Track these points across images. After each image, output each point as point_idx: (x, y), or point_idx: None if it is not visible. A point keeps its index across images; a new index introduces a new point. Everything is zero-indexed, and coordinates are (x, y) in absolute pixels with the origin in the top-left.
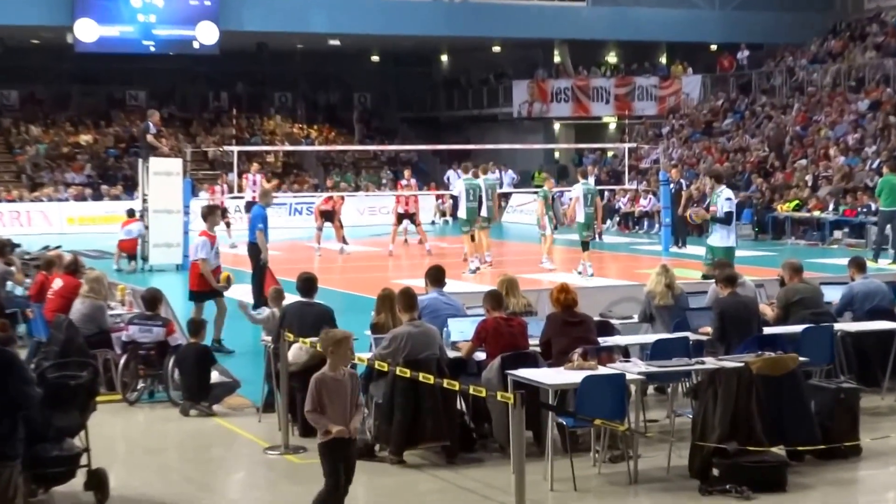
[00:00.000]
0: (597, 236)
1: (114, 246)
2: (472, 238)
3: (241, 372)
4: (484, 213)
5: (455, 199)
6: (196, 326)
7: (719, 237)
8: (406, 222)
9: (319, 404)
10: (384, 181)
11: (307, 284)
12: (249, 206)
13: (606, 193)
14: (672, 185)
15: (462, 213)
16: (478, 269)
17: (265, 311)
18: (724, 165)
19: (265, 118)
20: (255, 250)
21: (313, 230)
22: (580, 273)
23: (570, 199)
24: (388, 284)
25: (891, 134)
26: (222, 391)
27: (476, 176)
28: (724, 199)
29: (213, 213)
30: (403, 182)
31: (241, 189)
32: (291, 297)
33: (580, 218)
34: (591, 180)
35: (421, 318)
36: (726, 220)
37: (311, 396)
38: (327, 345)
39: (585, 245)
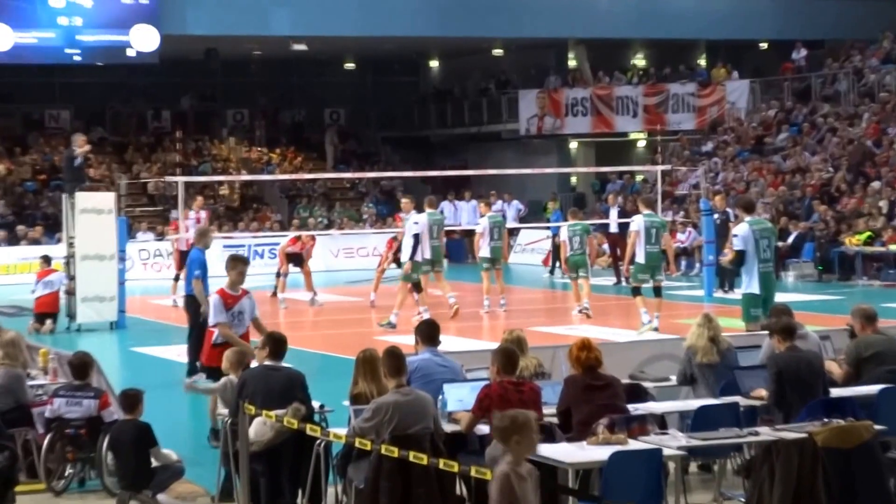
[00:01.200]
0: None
1: (32, 301)
2: (418, 287)
3: (193, 452)
4: (427, 254)
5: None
6: (131, 399)
7: (743, 283)
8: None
9: None
10: (364, 216)
11: (278, 345)
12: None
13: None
14: (716, 216)
15: (427, 253)
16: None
17: (220, 380)
18: (779, 189)
19: (216, 141)
20: (192, 303)
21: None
22: (646, 323)
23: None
24: (369, 343)
25: None
26: (167, 477)
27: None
28: (735, 234)
29: (236, 267)
30: (403, 216)
31: (186, 229)
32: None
33: (640, 258)
34: (616, 212)
35: (410, 384)
36: (737, 261)
37: (497, 501)
38: (509, 431)
39: (637, 291)
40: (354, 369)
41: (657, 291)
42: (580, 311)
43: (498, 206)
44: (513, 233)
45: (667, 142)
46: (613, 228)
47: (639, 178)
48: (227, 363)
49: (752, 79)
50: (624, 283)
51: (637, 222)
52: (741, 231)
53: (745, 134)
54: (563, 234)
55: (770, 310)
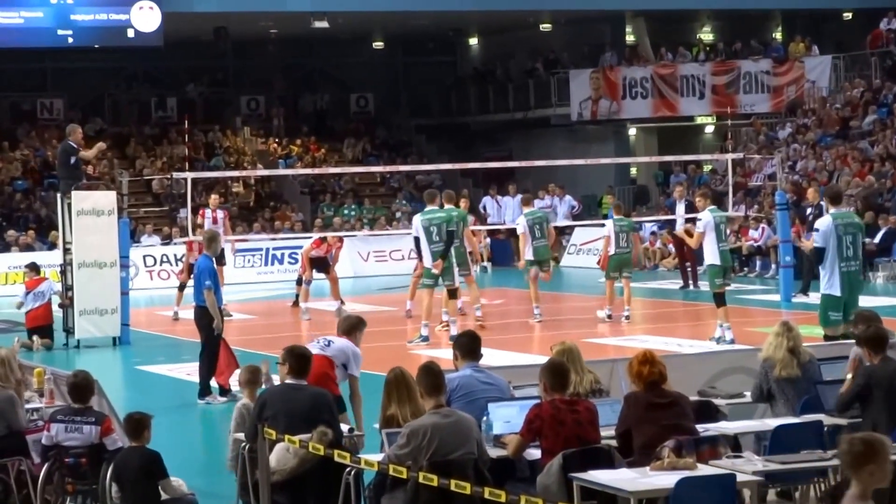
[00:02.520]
0: (692, 283)
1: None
2: (454, 294)
3: (206, 484)
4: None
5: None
6: (137, 424)
7: (822, 282)
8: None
9: None
10: (398, 214)
11: (301, 362)
12: None
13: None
14: (810, 211)
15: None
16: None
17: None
18: (866, 179)
19: (229, 132)
20: (204, 316)
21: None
22: (717, 339)
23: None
24: (404, 358)
25: None
26: None
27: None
28: (816, 227)
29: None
30: None
31: (196, 230)
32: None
33: (714, 259)
34: (684, 207)
35: (450, 404)
36: (815, 258)
37: None
38: (864, 459)
39: (720, 298)
40: (384, 392)
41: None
42: (609, 317)
43: (547, 202)
44: (564, 231)
45: (738, 126)
46: (680, 225)
47: (706, 167)
48: (240, 382)
49: (835, 54)
50: (692, 287)
51: (706, 219)
52: (823, 225)
53: (827, 117)
54: (608, 230)
55: (855, 316)
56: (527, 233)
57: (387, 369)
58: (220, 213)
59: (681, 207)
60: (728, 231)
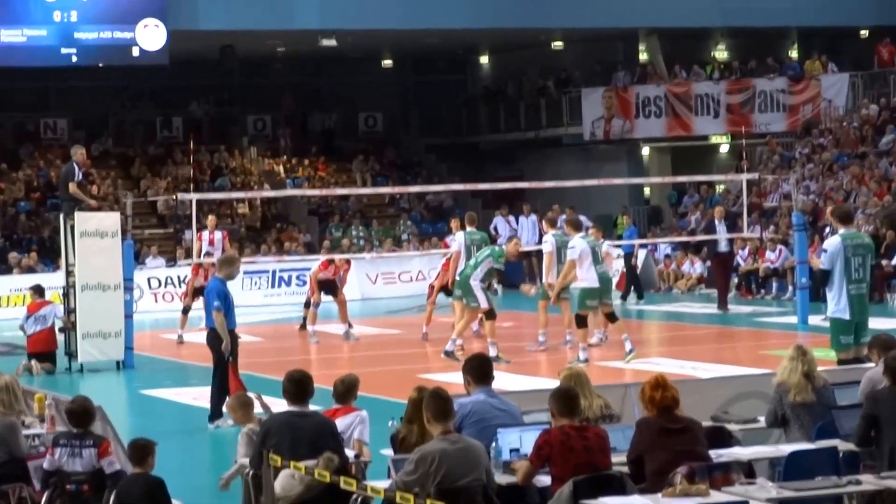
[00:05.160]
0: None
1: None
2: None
3: None
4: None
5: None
6: (141, 450)
7: (829, 305)
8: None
9: None
10: (405, 236)
11: (299, 387)
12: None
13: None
14: (828, 231)
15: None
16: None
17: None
18: (884, 199)
19: (235, 152)
20: (215, 339)
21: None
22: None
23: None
24: (413, 383)
25: None
26: None
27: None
28: (824, 248)
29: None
30: (450, 239)
31: (197, 253)
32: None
33: (590, 283)
34: (725, 227)
35: (462, 430)
36: (820, 280)
37: None
38: None
39: (582, 320)
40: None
41: (611, 317)
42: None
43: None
44: None
45: (753, 146)
46: (723, 247)
47: (720, 188)
48: (228, 408)
49: (853, 72)
50: (719, 311)
51: (580, 246)
52: (831, 246)
53: (845, 136)
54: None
55: (871, 340)
56: (554, 254)
57: (396, 394)
58: (217, 235)
59: (722, 228)
60: (602, 255)
